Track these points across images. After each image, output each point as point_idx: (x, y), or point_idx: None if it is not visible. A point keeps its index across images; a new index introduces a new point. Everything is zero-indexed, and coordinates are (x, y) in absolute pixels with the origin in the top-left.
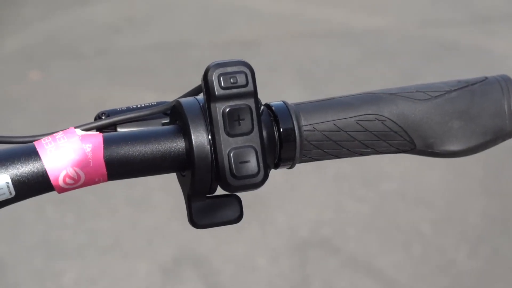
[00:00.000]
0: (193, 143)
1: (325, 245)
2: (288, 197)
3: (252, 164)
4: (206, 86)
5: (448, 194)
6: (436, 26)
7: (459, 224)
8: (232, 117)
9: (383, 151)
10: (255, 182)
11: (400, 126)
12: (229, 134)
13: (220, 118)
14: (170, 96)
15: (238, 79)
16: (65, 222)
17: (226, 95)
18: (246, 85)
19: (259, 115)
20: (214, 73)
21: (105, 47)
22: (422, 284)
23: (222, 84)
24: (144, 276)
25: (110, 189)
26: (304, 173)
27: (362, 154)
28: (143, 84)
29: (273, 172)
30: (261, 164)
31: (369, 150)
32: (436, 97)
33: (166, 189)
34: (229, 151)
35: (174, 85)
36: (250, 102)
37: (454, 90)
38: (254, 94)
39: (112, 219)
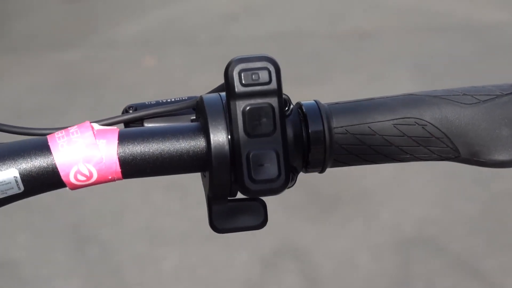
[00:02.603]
0: (211, 143)
1: (430, 244)
2: (395, 193)
3: (272, 167)
4: (226, 82)
5: None
6: None
7: None
8: (253, 117)
9: (424, 158)
10: (275, 187)
11: (442, 132)
12: (249, 135)
13: (240, 117)
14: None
15: (260, 75)
16: (170, 208)
17: (247, 93)
18: (269, 82)
19: (282, 115)
20: (235, 69)
21: (221, 35)
22: None
23: (243, 80)
24: (244, 266)
25: None
26: (413, 169)
27: (400, 161)
28: None
29: (378, 167)
30: (282, 168)
31: (408, 156)
32: (485, 101)
33: None
34: (247, 153)
35: (287, 76)
36: (273, 101)
37: (506, 95)
38: (277, 92)
39: None
